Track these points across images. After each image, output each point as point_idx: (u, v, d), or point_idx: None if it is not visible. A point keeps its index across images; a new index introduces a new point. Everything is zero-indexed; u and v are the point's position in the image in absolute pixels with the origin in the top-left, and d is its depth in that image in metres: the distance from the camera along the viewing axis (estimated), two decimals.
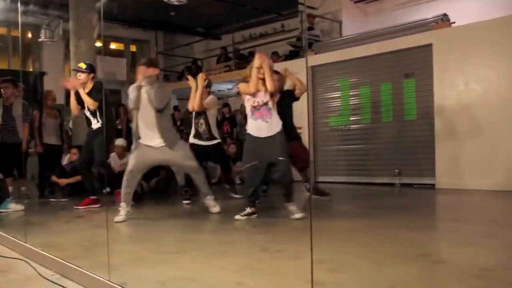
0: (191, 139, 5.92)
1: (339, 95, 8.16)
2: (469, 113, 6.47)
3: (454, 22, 7.01)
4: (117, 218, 4.60)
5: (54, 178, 6.89)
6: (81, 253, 3.35)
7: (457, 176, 6.55)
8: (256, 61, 4.49)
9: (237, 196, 6.22)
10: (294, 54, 9.82)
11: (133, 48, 14.13)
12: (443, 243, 3.60)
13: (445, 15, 7.04)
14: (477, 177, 6.33)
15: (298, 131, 8.57)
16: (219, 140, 6.11)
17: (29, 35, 11.60)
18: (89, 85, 5.66)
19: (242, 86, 4.62)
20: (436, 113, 6.81)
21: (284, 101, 5.45)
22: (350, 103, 7.99)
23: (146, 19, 12.45)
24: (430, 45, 6.80)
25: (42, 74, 11.37)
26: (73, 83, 5.66)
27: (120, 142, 7.60)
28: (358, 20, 10.13)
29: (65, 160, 7.55)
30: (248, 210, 4.58)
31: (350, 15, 10.07)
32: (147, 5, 10.59)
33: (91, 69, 5.68)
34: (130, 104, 4.86)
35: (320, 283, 2.38)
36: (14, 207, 5.72)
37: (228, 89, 11.58)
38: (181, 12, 11.01)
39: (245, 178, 4.77)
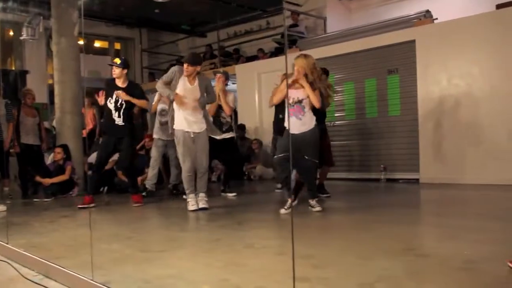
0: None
1: None
2: (453, 109, 6.54)
3: (436, 19, 7.06)
4: (191, 208, 4.91)
5: (38, 178, 6.80)
6: (64, 253, 3.31)
7: (441, 171, 6.62)
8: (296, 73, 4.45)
9: (232, 194, 6.19)
10: (279, 51, 9.82)
11: (117, 46, 13.99)
12: (427, 237, 3.63)
13: (427, 11, 7.09)
14: (461, 171, 6.41)
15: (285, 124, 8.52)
16: (233, 134, 6.35)
17: (11, 33, 11.43)
18: (124, 81, 5.61)
19: (282, 85, 4.59)
20: (420, 108, 6.87)
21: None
22: (335, 99, 7.99)
23: (130, 16, 12.34)
24: (413, 41, 6.85)
25: (25, 72, 11.19)
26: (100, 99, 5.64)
27: None
28: (342, 17, 10.16)
29: (48, 159, 7.46)
30: (290, 202, 4.52)
31: (334, 12, 10.09)
32: (131, 3, 10.49)
33: (124, 64, 5.62)
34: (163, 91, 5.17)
35: (305, 278, 2.39)
36: None
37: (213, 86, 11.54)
38: (165, 10, 10.92)
39: (276, 169, 5.02)
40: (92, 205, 5.48)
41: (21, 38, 9.11)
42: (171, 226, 4.41)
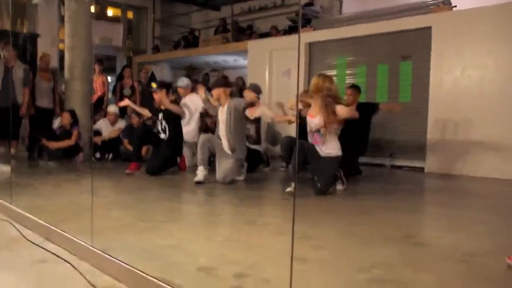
0: None
1: (335, 73, 8.08)
2: (465, 99, 6.44)
3: (455, 6, 6.91)
4: (196, 179, 4.97)
5: (44, 141, 6.83)
6: (66, 217, 3.35)
7: (447, 161, 6.57)
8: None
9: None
10: (293, 29, 9.70)
11: (130, 14, 13.86)
12: (428, 227, 3.62)
13: None
14: (468, 163, 6.35)
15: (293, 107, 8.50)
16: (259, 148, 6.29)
17: None
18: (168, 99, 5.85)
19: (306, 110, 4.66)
20: (431, 96, 6.77)
21: (363, 114, 5.57)
22: (346, 82, 7.93)
23: None
24: (429, 28, 6.72)
25: (35, 36, 11.13)
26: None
27: (112, 108, 7.58)
28: None
29: (55, 123, 7.48)
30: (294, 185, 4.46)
31: None
32: None
33: (161, 85, 5.91)
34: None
35: (303, 259, 2.40)
36: (1, 168, 5.70)
37: (224, 61, 11.49)
38: None
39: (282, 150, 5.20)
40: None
41: (34, 1, 9.04)
42: (173, 198, 4.43)
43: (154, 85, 5.91)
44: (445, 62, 6.63)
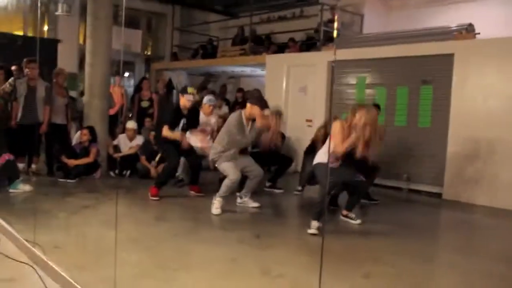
0: None
1: (354, 92, 8.05)
2: (485, 127, 6.34)
3: (479, 33, 6.80)
4: (214, 211, 5.13)
5: (63, 158, 6.91)
6: (86, 261, 3.44)
7: (465, 188, 6.50)
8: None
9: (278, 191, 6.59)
10: (311, 45, 9.66)
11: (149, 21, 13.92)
12: (441, 281, 3.60)
13: (470, 25, 6.83)
14: (486, 192, 6.28)
15: (309, 124, 8.49)
16: None
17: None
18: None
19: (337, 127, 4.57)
20: (451, 123, 6.69)
21: None
22: (365, 102, 7.87)
23: None
24: (451, 54, 6.63)
25: (56, 41, 11.26)
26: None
27: (130, 124, 7.64)
28: (381, 15, 9.87)
29: (74, 140, 7.57)
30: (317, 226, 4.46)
31: (373, 9, 9.80)
32: None
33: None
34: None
35: None
36: (23, 187, 5.80)
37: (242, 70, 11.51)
38: None
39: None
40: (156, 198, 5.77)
41: (56, 13, 9.13)
42: (190, 234, 4.44)
43: (191, 90, 5.99)
44: (467, 89, 6.54)
